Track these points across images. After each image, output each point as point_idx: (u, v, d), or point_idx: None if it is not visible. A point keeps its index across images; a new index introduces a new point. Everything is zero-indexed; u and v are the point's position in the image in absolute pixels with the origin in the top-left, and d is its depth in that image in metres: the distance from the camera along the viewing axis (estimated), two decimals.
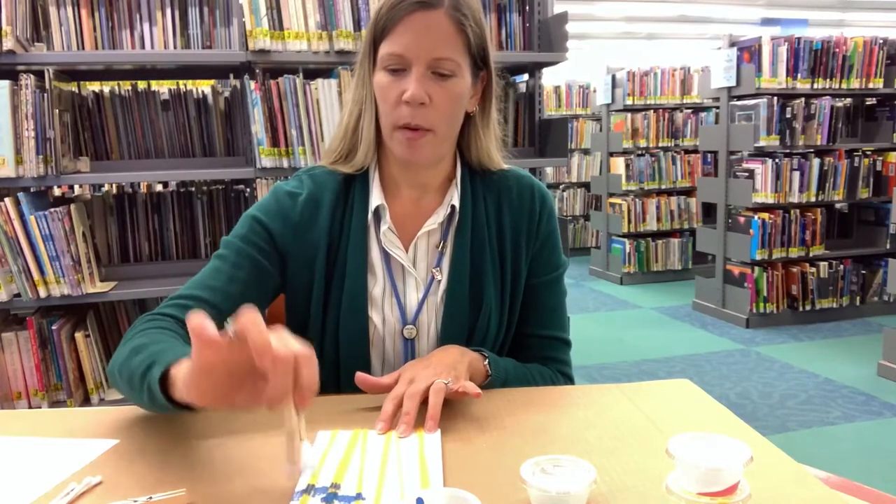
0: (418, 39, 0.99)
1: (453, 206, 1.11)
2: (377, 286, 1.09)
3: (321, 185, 1.11)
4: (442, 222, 1.11)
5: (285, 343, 0.67)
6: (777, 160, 4.27)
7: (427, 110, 1.01)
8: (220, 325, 1.00)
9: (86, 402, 2.33)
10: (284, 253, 1.08)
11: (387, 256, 1.10)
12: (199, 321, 0.66)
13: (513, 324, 1.16)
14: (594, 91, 6.85)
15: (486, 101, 1.12)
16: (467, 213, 1.12)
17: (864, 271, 4.63)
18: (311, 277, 1.08)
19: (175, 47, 2.42)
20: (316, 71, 2.56)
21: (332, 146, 1.13)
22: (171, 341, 0.91)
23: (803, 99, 4.30)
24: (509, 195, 1.15)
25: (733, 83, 4.33)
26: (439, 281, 1.11)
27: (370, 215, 1.10)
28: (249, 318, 0.66)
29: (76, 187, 2.90)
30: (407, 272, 1.11)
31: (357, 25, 2.43)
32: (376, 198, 1.09)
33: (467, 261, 1.11)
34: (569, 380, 1.19)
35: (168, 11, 2.40)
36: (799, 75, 4.28)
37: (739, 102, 4.42)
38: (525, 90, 2.83)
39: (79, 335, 2.30)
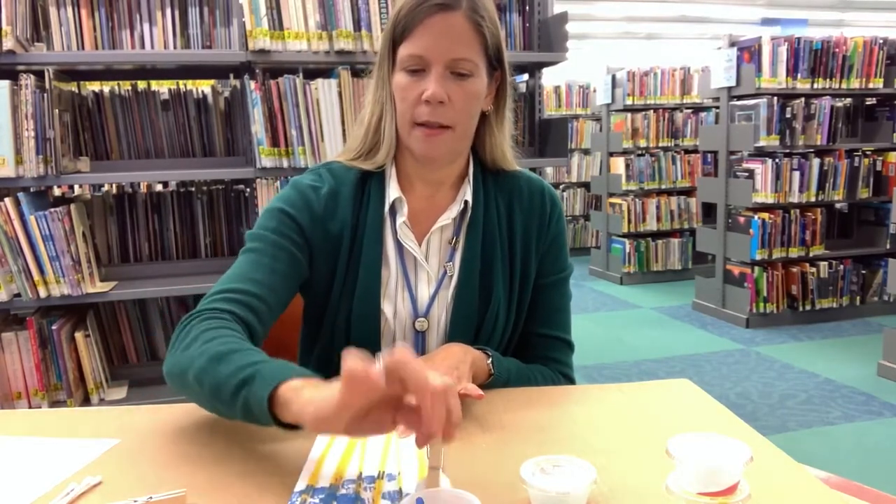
0: (438, 41, 1.01)
1: (466, 202, 1.13)
2: (391, 279, 1.11)
3: (340, 178, 1.12)
4: (455, 218, 1.13)
5: (434, 377, 0.68)
6: (777, 160, 4.27)
7: (446, 109, 1.03)
8: (268, 319, 1.01)
9: (86, 402, 2.33)
10: (312, 246, 1.09)
11: (400, 250, 1.12)
12: (362, 365, 0.66)
13: (520, 322, 1.17)
14: (594, 91, 6.85)
15: (501, 100, 1.14)
16: (479, 210, 1.14)
17: (864, 271, 4.63)
18: (333, 269, 1.10)
19: (175, 47, 2.42)
20: (316, 71, 2.56)
21: (353, 145, 1.15)
22: (253, 350, 0.88)
23: (803, 99, 4.30)
24: (520, 196, 1.17)
25: (733, 83, 4.33)
26: (451, 276, 1.13)
27: (387, 209, 1.11)
28: (404, 355, 0.67)
29: (76, 187, 2.90)
30: (419, 266, 1.12)
31: (357, 25, 2.43)
32: (394, 192, 1.11)
33: (478, 256, 1.12)
34: (570, 381, 1.20)
35: (168, 11, 2.40)
36: (799, 75, 4.27)
37: (739, 102, 4.42)
38: (525, 90, 2.83)
39: (79, 335, 2.30)
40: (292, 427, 0.77)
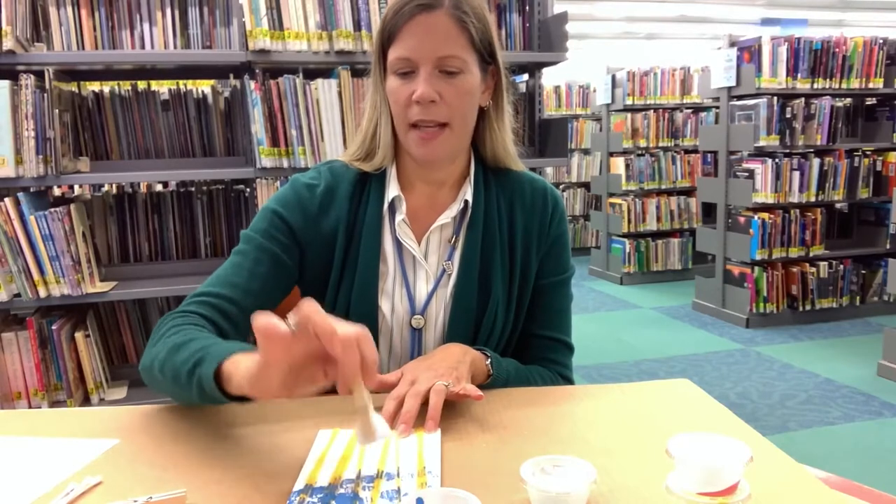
0: (422, 41, 1.02)
1: (466, 202, 1.13)
2: (388, 276, 1.12)
3: (339, 176, 1.14)
4: (455, 216, 1.14)
5: (344, 326, 0.71)
6: (777, 160, 4.27)
7: (438, 107, 1.04)
8: (243, 322, 1.03)
9: (86, 402, 2.33)
10: (303, 245, 1.10)
11: (399, 248, 1.12)
12: (266, 321, 0.69)
13: (519, 322, 1.17)
14: (594, 91, 6.84)
15: (498, 94, 1.14)
16: (480, 210, 1.14)
17: (864, 271, 4.63)
18: (329, 266, 1.11)
19: (175, 47, 2.42)
20: (316, 71, 2.56)
21: (352, 149, 1.16)
22: (209, 337, 0.93)
23: (803, 99, 4.30)
24: (522, 196, 1.17)
25: (733, 83, 4.33)
26: (450, 274, 1.13)
27: (385, 207, 1.12)
28: (311, 308, 0.70)
29: (76, 187, 2.90)
30: (418, 264, 1.13)
31: (357, 25, 2.43)
32: (393, 190, 1.12)
33: (477, 255, 1.13)
34: (569, 382, 1.20)
35: (168, 11, 2.40)
36: (799, 75, 4.27)
37: (739, 102, 4.42)
38: (525, 90, 2.83)
39: (79, 335, 2.30)
40: (244, 399, 0.80)
